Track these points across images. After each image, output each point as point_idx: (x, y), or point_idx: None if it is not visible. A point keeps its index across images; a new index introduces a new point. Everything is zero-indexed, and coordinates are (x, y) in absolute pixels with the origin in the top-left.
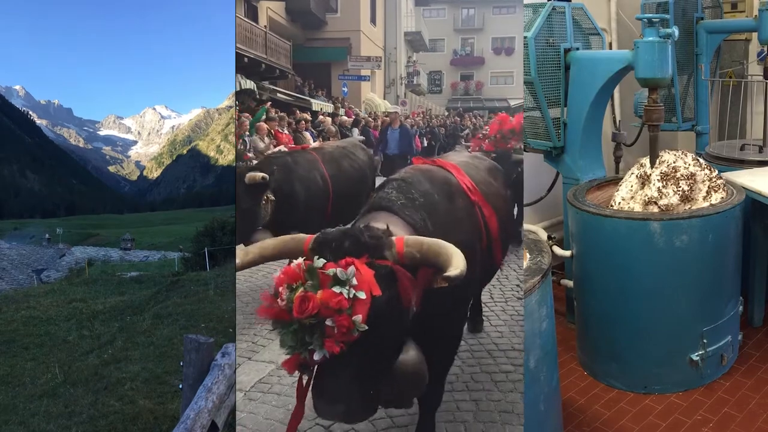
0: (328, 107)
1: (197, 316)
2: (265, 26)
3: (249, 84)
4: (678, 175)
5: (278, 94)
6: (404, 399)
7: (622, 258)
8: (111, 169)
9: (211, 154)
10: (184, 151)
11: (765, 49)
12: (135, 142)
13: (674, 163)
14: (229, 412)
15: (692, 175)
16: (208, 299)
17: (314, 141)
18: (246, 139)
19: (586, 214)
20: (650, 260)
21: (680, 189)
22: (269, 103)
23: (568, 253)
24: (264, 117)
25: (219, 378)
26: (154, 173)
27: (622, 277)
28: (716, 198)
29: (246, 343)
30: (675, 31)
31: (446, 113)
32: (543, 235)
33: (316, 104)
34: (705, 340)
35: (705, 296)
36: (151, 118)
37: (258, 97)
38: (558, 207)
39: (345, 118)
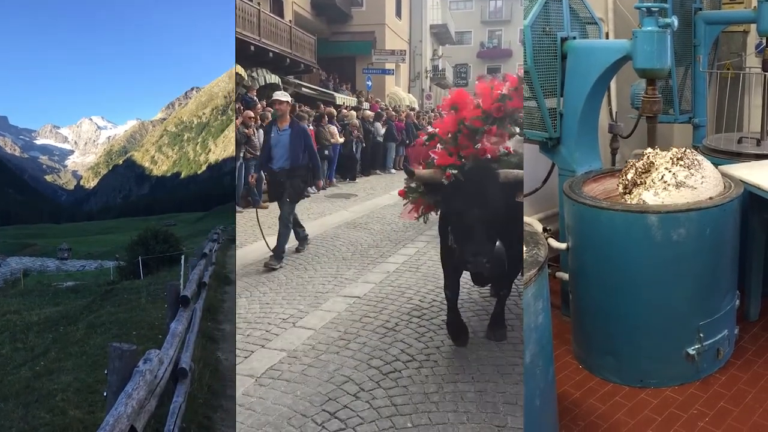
0: (352, 101)
1: (129, 324)
2: (290, 21)
3: (274, 78)
4: (629, 166)
5: (303, 89)
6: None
7: (619, 251)
8: (48, 178)
9: (146, 164)
10: (120, 162)
11: (764, 40)
12: (72, 152)
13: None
14: (150, 416)
15: (650, 164)
16: (140, 307)
17: (339, 134)
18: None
19: (583, 207)
20: (647, 253)
21: (625, 179)
22: (292, 99)
23: (563, 245)
24: None
25: (140, 384)
26: (91, 183)
27: (618, 270)
28: (663, 174)
29: (260, 331)
30: (674, 20)
31: None
32: (538, 227)
33: (340, 98)
34: (701, 334)
35: (702, 290)
36: (88, 128)
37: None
38: (554, 198)
39: (368, 112)
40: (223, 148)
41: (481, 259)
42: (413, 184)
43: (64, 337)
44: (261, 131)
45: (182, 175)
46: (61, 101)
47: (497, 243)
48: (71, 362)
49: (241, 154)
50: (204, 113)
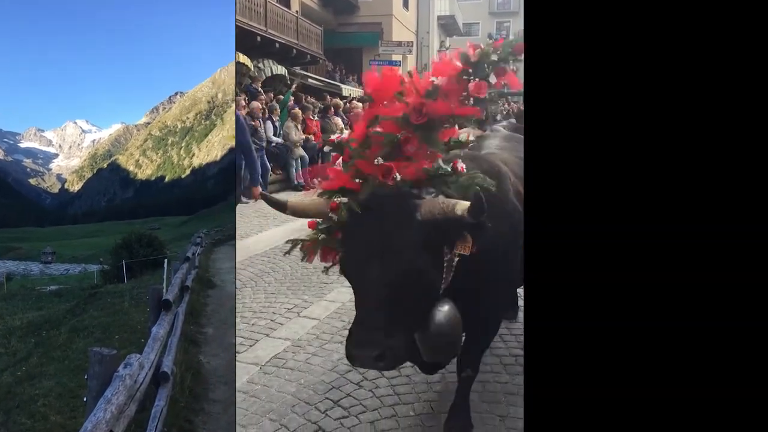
0: (359, 92)
1: (112, 328)
2: (296, 12)
3: (280, 69)
4: None
5: (309, 80)
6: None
7: None
8: (32, 181)
9: (131, 168)
10: (105, 165)
11: None
12: (56, 155)
13: None
14: (129, 421)
15: None
16: (123, 311)
17: (345, 126)
18: (275, 124)
19: None
20: None
21: None
22: (294, 86)
23: None
24: (292, 100)
25: (119, 389)
26: (76, 186)
27: None
28: None
29: (265, 320)
30: None
31: None
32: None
33: (347, 89)
34: None
35: None
36: (72, 131)
37: (289, 82)
38: None
39: None
40: (206, 152)
41: (369, 353)
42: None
43: (46, 341)
44: (268, 122)
45: (166, 179)
46: (46, 104)
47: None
48: (53, 367)
49: None
50: (188, 118)
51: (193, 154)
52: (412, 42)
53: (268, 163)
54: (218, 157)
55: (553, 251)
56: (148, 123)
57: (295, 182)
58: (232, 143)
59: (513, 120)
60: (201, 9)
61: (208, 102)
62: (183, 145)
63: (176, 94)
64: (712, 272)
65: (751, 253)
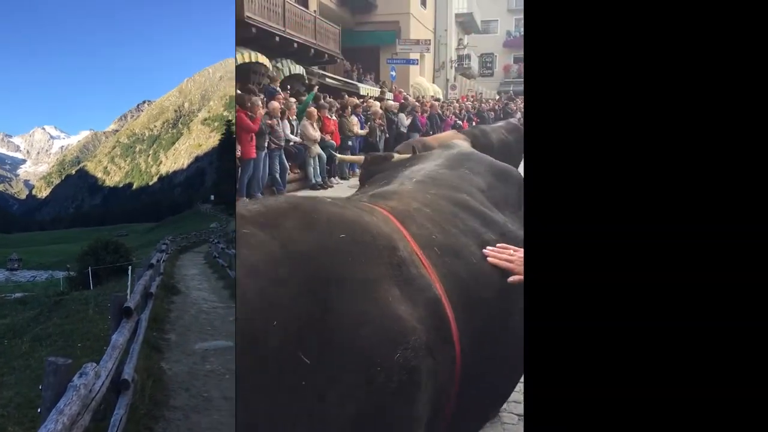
0: (376, 92)
1: (75, 336)
2: (314, 11)
3: (298, 69)
4: None
5: (327, 79)
6: None
7: None
8: None
9: (99, 174)
10: (73, 172)
11: None
12: (24, 161)
13: None
14: None
15: None
16: (88, 318)
17: (362, 125)
18: (293, 123)
19: None
20: None
21: None
22: (317, 87)
23: None
24: (312, 101)
25: (73, 399)
26: (43, 192)
27: None
28: None
29: None
30: None
31: (497, 97)
32: None
33: (364, 89)
34: None
35: None
36: (41, 137)
37: (307, 82)
38: None
39: (391, 102)
40: (173, 160)
41: None
42: None
43: (8, 350)
44: (285, 122)
45: (134, 186)
46: (14, 109)
47: None
48: (14, 377)
49: (265, 144)
50: (155, 126)
51: (161, 162)
52: (429, 40)
53: (286, 162)
54: (185, 165)
55: (553, 251)
56: (117, 130)
57: (313, 181)
58: (198, 152)
59: (513, 120)
60: (173, 19)
61: (175, 111)
62: (150, 152)
63: (144, 102)
64: (712, 272)
65: (751, 253)
